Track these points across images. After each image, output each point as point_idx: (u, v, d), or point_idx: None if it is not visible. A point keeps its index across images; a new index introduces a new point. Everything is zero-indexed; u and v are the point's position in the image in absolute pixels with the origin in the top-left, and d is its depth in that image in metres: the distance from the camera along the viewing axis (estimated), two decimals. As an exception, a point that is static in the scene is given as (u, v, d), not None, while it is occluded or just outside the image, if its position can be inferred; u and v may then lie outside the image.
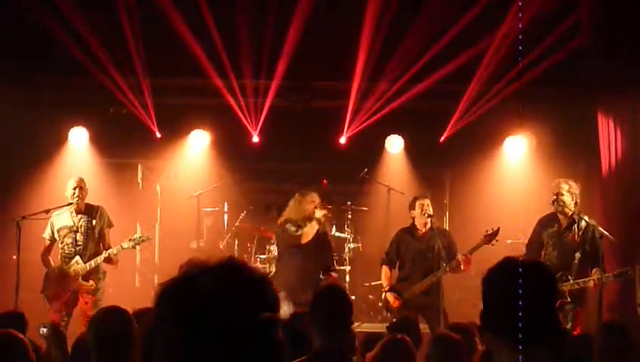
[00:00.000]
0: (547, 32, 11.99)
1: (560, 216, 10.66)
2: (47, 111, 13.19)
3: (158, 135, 13.67)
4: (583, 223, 10.52)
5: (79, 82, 13.14)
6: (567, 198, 10.49)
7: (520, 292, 3.15)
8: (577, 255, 10.46)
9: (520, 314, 3.13)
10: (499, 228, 10.76)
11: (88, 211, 11.13)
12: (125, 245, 11.03)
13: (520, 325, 3.13)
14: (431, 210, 11.28)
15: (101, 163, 13.85)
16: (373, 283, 13.80)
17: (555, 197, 10.53)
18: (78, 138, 13.63)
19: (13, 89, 12.82)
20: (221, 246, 13.46)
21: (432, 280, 10.99)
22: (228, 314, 1.95)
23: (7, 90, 12.73)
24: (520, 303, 3.14)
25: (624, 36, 12.00)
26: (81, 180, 11.11)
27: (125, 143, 13.76)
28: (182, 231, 13.68)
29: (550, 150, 13.23)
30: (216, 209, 14.13)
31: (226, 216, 14.09)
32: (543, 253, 10.64)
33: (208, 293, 1.98)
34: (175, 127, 13.75)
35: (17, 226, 10.67)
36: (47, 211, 10.98)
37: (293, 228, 11.07)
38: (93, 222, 11.07)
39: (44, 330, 6.70)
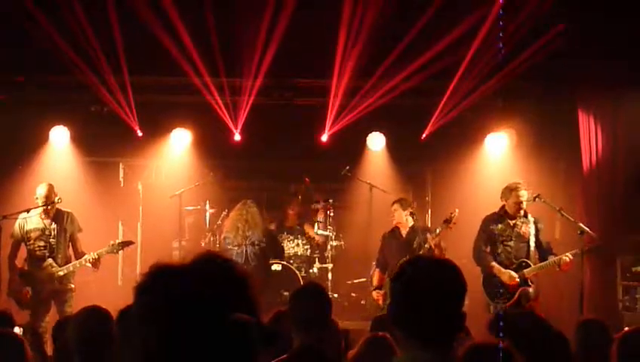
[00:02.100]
0: (528, 29, 12.01)
1: (510, 214, 11.03)
2: (27, 110, 13.13)
3: (140, 133, 13.64)
4: (530, 217, 10.99)
5: (60, 81, 13.12)
6: (525, 204, 11.01)
7: (432, 291, 3.19)
8: (532, 245, 10.92)
9: (429, 313, 3.16)
10: (455, 210, 11.33)
11: (59, 216, 11.12)
12: (106, 251, 11.05)
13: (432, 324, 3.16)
14: (401, 214, 11.58)
15: (82, 162, 13.82)
16: (355, 281, 13.85)
17: (519, 204, 10.95)
18: (59, 137, 13.58)
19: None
20: (203, 245, 13.45)
21: None
22: (203, 313, 1.95)
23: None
24: (427, 301, 3.17)
25: (604, 33, 12.05)
26: (51, 189, 11.05)
27: (107, 142, 13.74)
28: (164, 230, 13.64)
29: (531, 147, 13.28)
30: (198, 207, 14.12)
31: (207, 214, 14.08)
32: (489, 247, 11.05)
33: (185, 290, 1.97)
34: (156, 126, 13.73)
35: (-2, 225, 10.66)
36: (29, 210, 10.97)
37: None
38: (65, 225, 11.06)
39: (20, 331, 6.65)
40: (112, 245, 11.15)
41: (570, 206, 11.81)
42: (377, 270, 11.97)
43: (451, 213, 11.30)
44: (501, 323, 4.49)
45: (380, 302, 11.56)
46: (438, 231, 11.40)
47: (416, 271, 3.29)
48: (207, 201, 14.10)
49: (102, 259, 11.07)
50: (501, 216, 11.04)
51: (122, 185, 14.58)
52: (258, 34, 12.57)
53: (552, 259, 10.73)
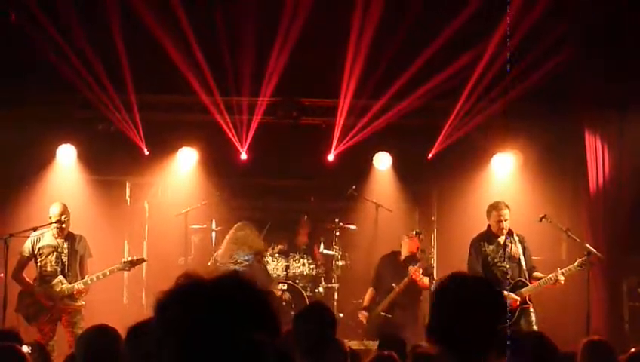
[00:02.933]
0: (534, 50, 12.05)
1: (496, 234, 10.99)
2: (34, 128, 13.14)
3: (147, 152, 13.66)
4: (516, 236, 10.95)
5: (67, 99, 13.15)
6: (507, 223, 10.98)
7: (469, 305, 3.19)
8: (523, 264, 10.84)
9: (465, 326, 3.16)
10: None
11: (71, 237, 11.15)
12: (117, 268, 11.17)
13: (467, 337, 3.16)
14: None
15: (89, 180, 13.81)
16: (361, 301, 13.80)
17: (499, 223, 10.95)
18: (66, 155, 13.58)
19: (2, 106, 12.80)
20: (209, 264, 13.44)
21: (391, 299, 11.71)
22: (222, 331, 1.96)
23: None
24: (467, 316, 3.17)
25: (611, 53, 12.07)
26: (65, 209, 11.08)
27: (113, 160, 13.72)
28: (170, 248, 13.62)
29: (538, 167, 13.26)
30: (204, 226, 14.11)
31: (213, 233, 14.07)
32: (481, 268, 10.94)
33: (205, 308, 1.98)
34: (163, 144, 13.73)
35: (5, 244, 10.64)
36: (35, 229, 10.98)
37: None
38: (76, 247, 11.09)
39: (28, 349, 6.64)
40: (125, 262, 11.24)
41: (577, 226, 11.78)
42: (371, 288, 12.30)
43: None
44: (509, 343, 4.48)
45: (364, 322, 12.03)
46: (417, 264, 11.65)
47: (456, 286, 3.30)
48: (214, 220, 14.08)
49: (110, 276, 11.17)
50: (489, 236, 11.01)
51: (129, 203, 14.57)
52: (265, 52, 12.62)
53: (548, 276, 10.64)
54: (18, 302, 10.94)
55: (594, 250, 10.65)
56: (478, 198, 13.61)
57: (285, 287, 12.81)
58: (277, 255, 13.55)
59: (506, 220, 10.89)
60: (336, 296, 13.43)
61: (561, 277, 10.56)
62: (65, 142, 13.53)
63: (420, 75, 12.66)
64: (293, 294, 12.75)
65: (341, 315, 12.90)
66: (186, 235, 13.34)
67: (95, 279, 11.03)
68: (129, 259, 11.42)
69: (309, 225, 14.27)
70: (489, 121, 13.11)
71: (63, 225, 11.00)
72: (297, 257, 13.70)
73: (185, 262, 13.41)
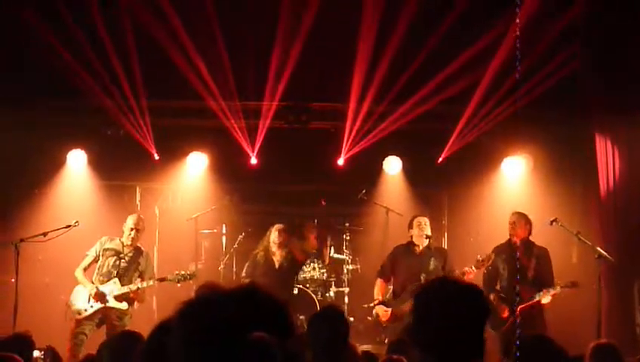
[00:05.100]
0: (545, 54, 12.03)
1: (513, 242, 11.05)
2: (45, 133, 13.19)
3: (157, 157, 13.70)
4: (536, 250, 10.97)
5: (77, 104, 13.18)
6: (517, 228, 11.04)
7: (454, 313, 3.17)
8: (530, 277, 10.82)
9: (450, 333, 3.14)
10: (491, 255, 11.06)
11: (138, 249, 11.44)
12: (170, 279, 11.39)
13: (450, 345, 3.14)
14: (429, 229, 11.51)
15: (99, 185, 13.86)
16: (371, 305, 13.78)
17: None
18: (77, 160, 13.64)
19: (12, 111, 12.83)
20: (219, 269, 13.46)
21: None
22: (231, 335, 1.97)
23: (6, 113, 12.74)
24: (451, 323, 3.15)
25: (621, 58, 12.05)
26: (140, 220, 11.45)
27: (123, 165, 13.77)
28: (180, 253, 13.63)
29: (548, 171, 13.25)
30: (215, 231, 14.12)
31: (224, 238, 14.09)
32: (498, 279, 11.03)
33: (226, 317, 2.00)
34: (173, 150, 13.78)
35: (16, 249, 10.68)
36: (46, 234, 11.01)
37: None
38: (139, 259, 11.28)
39: (39, 354, 6.65)
40: (176, 274, 11.33)
41: (587, 230, 11.75)
42: (380, 280, 11.87)
43: (482, 259, 11.09)
44: (517, 347, 4.48)
45: (385, 319, 11.46)
46: (466, 269, 11.11)
47: (443, 291, 3.28)
48: (224, 225, 14.11)
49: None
50: (506, 244, 11.18)
51: (139, 208, 14.59)
52: (275, 57, 12.63)
53: (537, 295, 10.58)
54: (72, 295, 11.10)
55: (604, 253, 10.63)
56: (488, 202, 13.63)
57: (296, 291, 12.80)
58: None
59: (510, 224, 11.04)
60: (346, 300, 13.42)
61: (545, 300, 10.53)
62: (75, 148, 13.59)
63: (429, 79, 12.65)
64: (304, 298, 12.73)
65: (352, 319, 12.88)
66: (197, 240, 13.37)
67: (145, 285, 11.25)
68: (182, 272, 11.47)
69: (318, 229, 14.27)
70: (499, 125, 13.09)
71: (132, 234, 11.27)
72: (308, 261, 13.70)
73: (195, 267, 13.43)
